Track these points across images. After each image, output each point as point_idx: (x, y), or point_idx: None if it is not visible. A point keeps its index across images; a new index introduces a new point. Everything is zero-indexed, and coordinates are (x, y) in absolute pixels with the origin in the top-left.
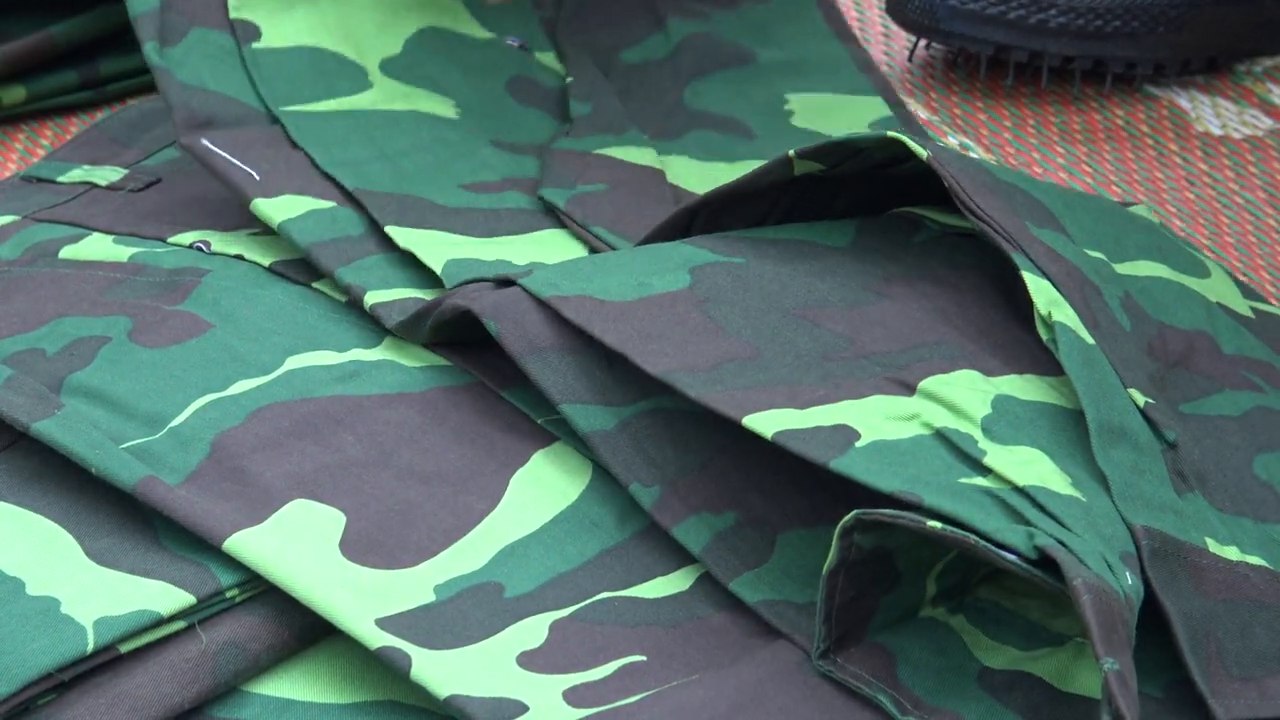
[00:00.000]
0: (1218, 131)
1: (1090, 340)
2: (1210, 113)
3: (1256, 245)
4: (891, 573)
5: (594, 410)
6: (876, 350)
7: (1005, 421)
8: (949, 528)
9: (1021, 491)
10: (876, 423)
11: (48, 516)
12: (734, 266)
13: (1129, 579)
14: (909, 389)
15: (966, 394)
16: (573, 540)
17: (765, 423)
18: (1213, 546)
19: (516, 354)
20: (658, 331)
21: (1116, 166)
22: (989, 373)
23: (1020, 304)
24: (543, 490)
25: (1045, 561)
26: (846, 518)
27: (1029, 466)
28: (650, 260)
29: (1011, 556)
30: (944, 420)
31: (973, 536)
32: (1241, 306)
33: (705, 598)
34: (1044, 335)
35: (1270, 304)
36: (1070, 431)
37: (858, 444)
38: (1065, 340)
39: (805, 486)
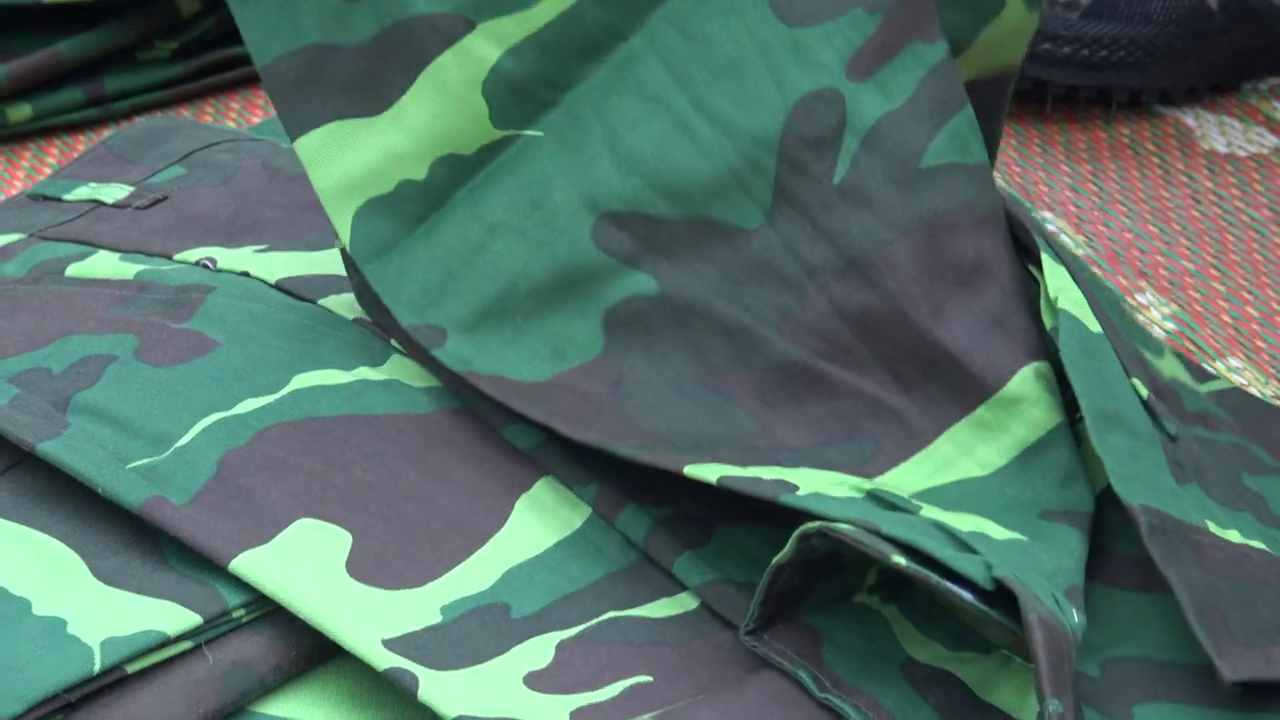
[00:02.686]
0: (1223, 149)
1: (1096, 329)
2: (1216, 130)
3: (1262, 263)
4: (837, 566)
5: (529, 430)
6: (790, 443)
7: (932, 500)
8: (911, 564)
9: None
10: (812, 480)
11: (54, 536)
12: (646, 309)
13: (1075, 617)
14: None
15: (890, 486)
16: (577, 563)
17: (708, 471)
18: (1213, 528)
19: (452, 388)
20: (576, 415)
21: (1122, 185)
22: (913, 450)
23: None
24: (547, 515)
25: (1000, 593)
26: (809, 525)
27: (964, 518)
28: (560, 302)
29: (968, 596)
30: (873, 488)
31: (934, 576)
32: (1195, 386)
33: (712, 618)
34: (1047, 322)
35: (1225, 380)
36: (1004, 496)
37: (799, 491)
38: (1067, 328)
39: (740, 497)
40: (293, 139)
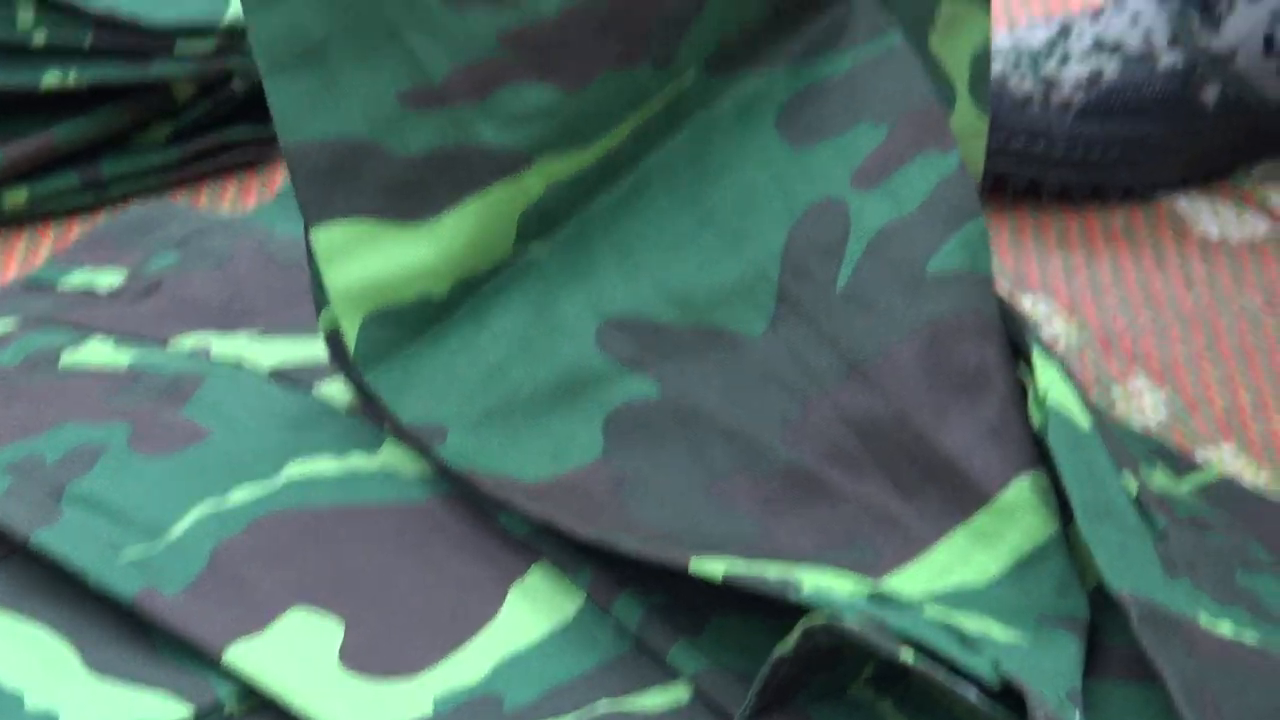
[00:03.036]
0: (1216, 235)
1: (1085, 427)
2: (1209, 216)
3: (1255, 350)
4: (836, 658)
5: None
6: (791, 548)
7: (936, 603)
8: (920, 658)
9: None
10: (816, 578)
11: (47, 626)
12: (648, 412)
13: (1078, 717)
14: None
15: (891, 588)
16: (571, 652)
17: (713, 566)
18: (1204, 621)
19: (448, 474)
20: (578, 513)
21: (1114, 270)
22: (911, 556)
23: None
24: (541, 603)
25: (1005, 692)
26: (815, 621)
27: (969, 618)
28: (562, 406)
29: (974, 694)
30: (875, 589)
31: (941, 672)
32: (1182, 491)
33: (705, 708)
34: (1036, 419)
35: (1212, 471)
36: (1002, 601)
37: (804, 589)
38: (1056, 424)
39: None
40: (310, 225)
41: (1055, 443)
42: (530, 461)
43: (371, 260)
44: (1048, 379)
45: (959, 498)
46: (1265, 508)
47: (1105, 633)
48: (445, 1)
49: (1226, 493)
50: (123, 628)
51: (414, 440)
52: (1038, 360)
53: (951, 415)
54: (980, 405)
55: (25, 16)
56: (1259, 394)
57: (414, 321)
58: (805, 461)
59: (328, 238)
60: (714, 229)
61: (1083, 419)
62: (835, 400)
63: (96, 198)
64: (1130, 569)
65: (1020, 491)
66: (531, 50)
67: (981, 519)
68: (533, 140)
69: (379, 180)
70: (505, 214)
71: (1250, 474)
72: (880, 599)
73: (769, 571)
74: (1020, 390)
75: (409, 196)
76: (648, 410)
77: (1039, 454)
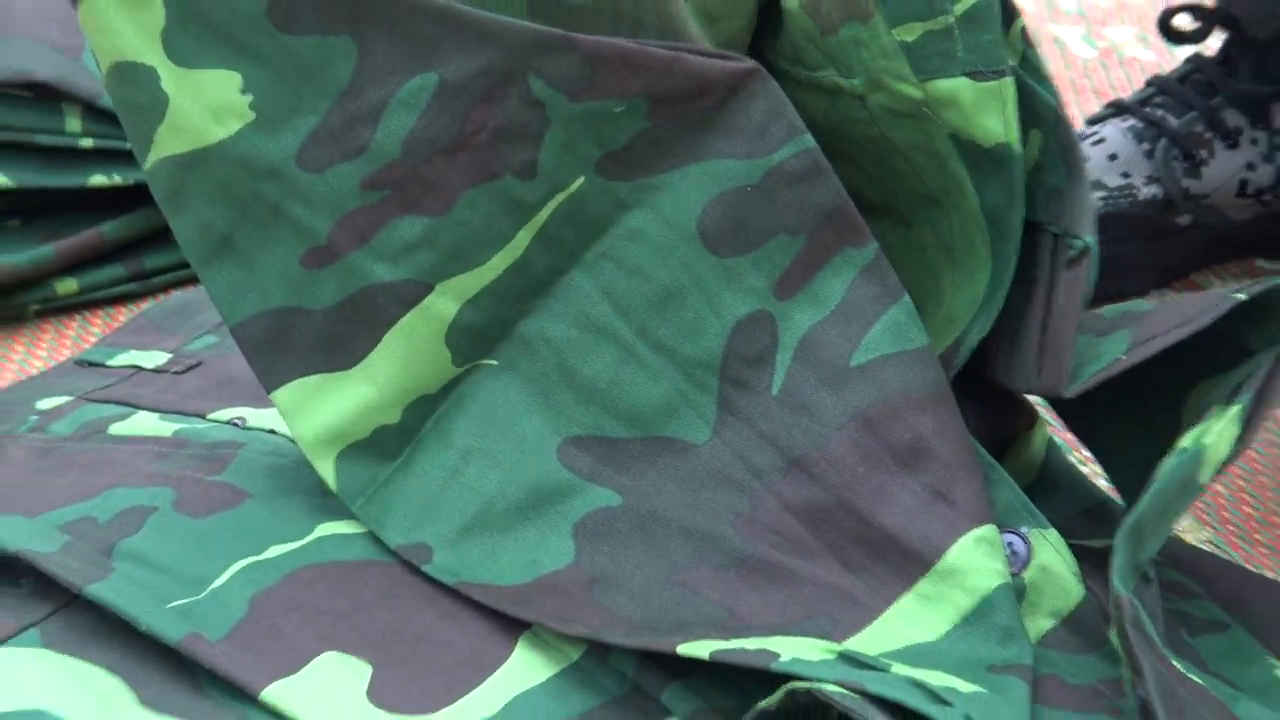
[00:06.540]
0: None
1: (1200, 482)
2: None
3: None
4: (818, 713)
5: None
6: (756, 625)
7: (895, 659)
8: (863, 707)
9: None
10: (790, 646)
11: (103, 666)
12: (611, 518)
13: None
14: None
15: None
16: (575, 693)
17: (699, 648)
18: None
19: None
20: (560, 612)
21: None
22: (866, 623)
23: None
24: (548, 650)
25: None
26: (799, 685)
27: (933, 674)
28: (533, 518)
29: None
30: (844, 650)
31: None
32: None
33: None
34: (1186, 441)
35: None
36: (953, 655)
37: (782, 658)
38: (1187, 461)
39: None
40: (269, 391)
41: (1170, 473)
42: (509, 570)
43: (324, 408)
44: (1225, 433)
45: (904, 567)
46: (1211, 565)
47: (1066, 674)
48: (306, 170)
49: (1174, 551)
50: (171, 669)
51: (404, 558)
52: (1228, 415)
53: (889, 492)
54: (922, 475)
55: (73, 123)
56: (1231, 487)
57: (380, 450)
58: (758, 550)
59: (283, 398)
60: (651, 344)
61: (1203, 470)
62: (779, 493)
63: (141, 287)
64: (1128, 584)
65: (963, 551)
66: (391, 189)
67: (925, 584)
68: (423, 268)
69: (307, 339)
70: (428, 338)
71: (1193, 533)
72: (850, 658)
73: (748, 645)
74: (970, 449)
75: (336, 346)
76: (611, 516)
77: (989, 508)
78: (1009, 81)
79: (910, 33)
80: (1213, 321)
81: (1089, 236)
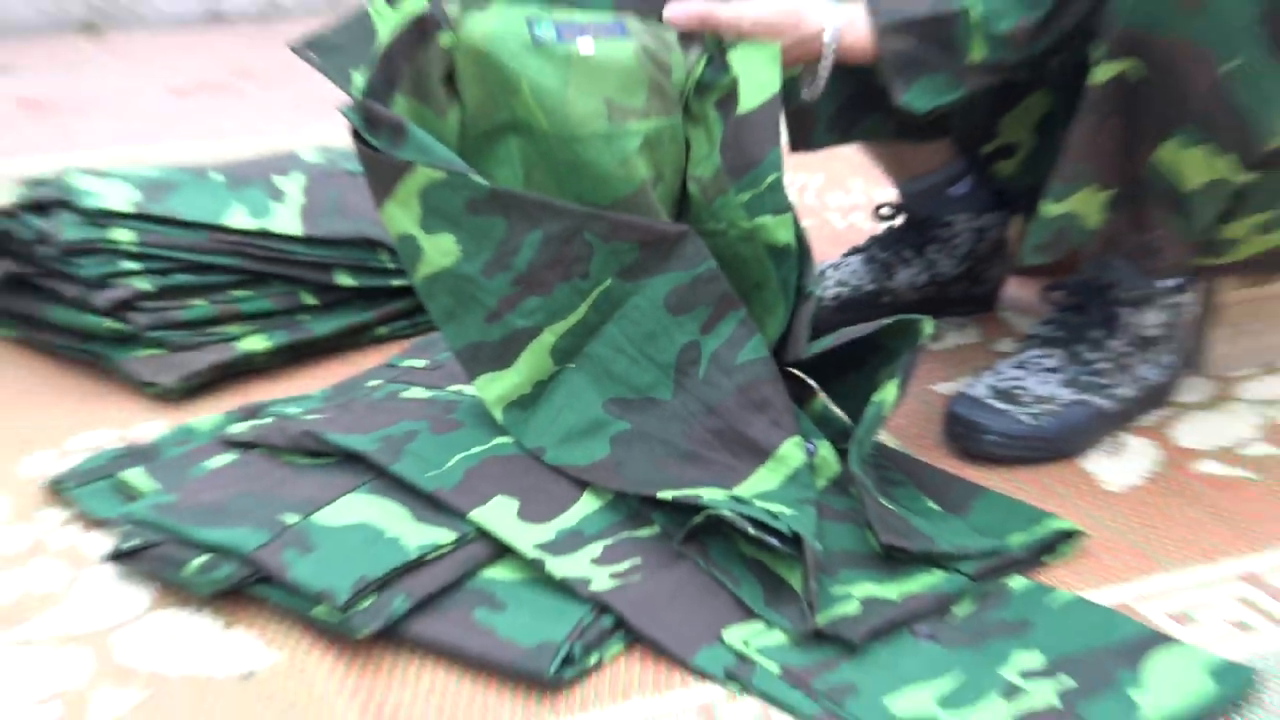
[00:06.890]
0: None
1: (883, 411)
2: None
3: None
4: (720, 528)
5: None
6: (695, 480)
7: (759, 497)
8: (756, 531)
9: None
10: (709, 494)
11: (395, 502)
12: (628, 435)
13: (819, 547)
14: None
15: (738, 493)
16: (612, 510)
17: (666, 495)
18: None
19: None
20: (603, 478)
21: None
22: (741, 479)
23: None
24: (599, 494)
25: (794, 539)
26: (711, 511)
27: (773, 505)
28: (591, 435)
29: (775, 541)
30: (732, 494)
31: (767, 537)
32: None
33: (665, 537)
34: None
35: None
36: (785, 495)
37: (704, 499)
38: (873, 410)
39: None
40: (470, 380)
41: (872, 412)
42: (580, 458)
43: (496, 386)
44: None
45: (758, 455)
46: (898, 456)
47: (832, 504)
48: (486, 278)
49: (881, 449)
50: (426, 507)
51: (532, 454)
52: (889, 384)
53: (752, 422)
54: (767, 414)
55: (384, 258)
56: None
57: (522, 405)
58: (694, 449)
59: (479, 383)
60: (645, 357)
61: (885, 410)
62: (703, 424)
63: (413, 331)
64: (858, 465)
65: (786, 447)
66: (523, 285)
67: (770, 463)
68: (539, 322)
69: (487, 356)
70: (541, 355)
71: (886, 439)
72: (735, 498)
73: (688, 493)
74: (790, 405)
75: (499, 359)
76: (627, 435)
77: (798, 428)
78: (790, 215)
79: (745, 196)
80: (870, 334)
81: (814, 288)
